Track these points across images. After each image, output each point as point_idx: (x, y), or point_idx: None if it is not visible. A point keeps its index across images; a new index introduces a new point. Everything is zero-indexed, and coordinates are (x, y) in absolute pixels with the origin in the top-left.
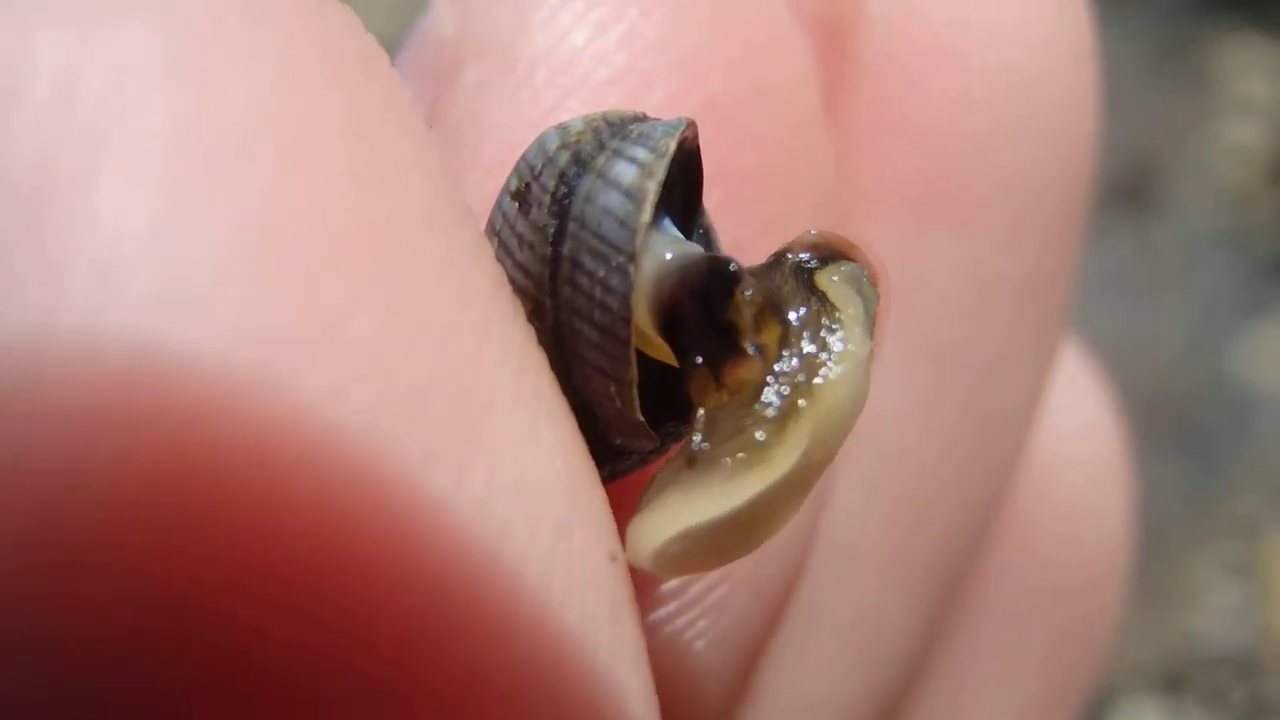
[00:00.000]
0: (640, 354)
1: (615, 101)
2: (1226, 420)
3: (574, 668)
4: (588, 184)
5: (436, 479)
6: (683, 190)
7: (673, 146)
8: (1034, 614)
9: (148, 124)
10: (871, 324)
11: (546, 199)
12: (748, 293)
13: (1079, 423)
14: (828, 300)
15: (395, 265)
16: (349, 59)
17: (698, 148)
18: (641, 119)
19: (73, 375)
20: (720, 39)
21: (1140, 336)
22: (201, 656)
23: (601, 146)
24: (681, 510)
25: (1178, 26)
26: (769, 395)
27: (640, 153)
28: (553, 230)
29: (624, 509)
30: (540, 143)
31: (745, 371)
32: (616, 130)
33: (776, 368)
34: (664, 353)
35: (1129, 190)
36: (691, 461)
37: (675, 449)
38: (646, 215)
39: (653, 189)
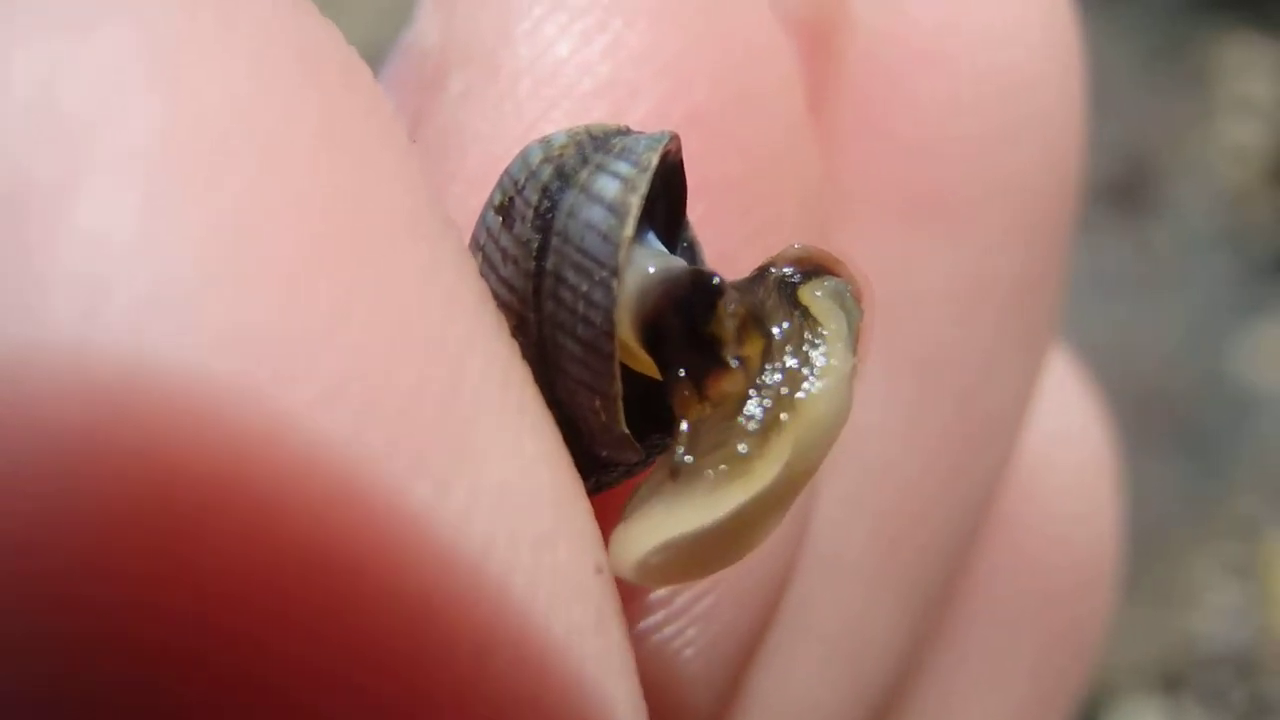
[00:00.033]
0: (624, 367)
1: (600, 112)
2: (1225, 420)
3: (560, 680)
4: (571, 198)
5: (419, 492)
6: (666, 204)
7: (655, 160)
8: (1023, 617)
9: (128, 132)
10: (855, 339)
11: (530, 213)
12: (730, 306)
13: (1067, 427)
14: (810, 315)
15: (377, 278)
16: (330, 69)
17: (681, 161)
18: (625, 132)
19: (60, 387)
20: (704, 47)
21: (1138, 336)
22: (187, 661)
23: (584, 160)
24: (664, 521)
25: (1176, 26)
26: (751, 408)
27: (623, 167)
28: (536, 244)
29: (610, 521)
30: (523, 156)
31: (727, 384)
32: (599, 144)
33: (759, 381)
34: (648, 366)
35: (1127, 190)
36: (674, 473)
37: (659, 461)
38: (629, 230)
39: (635, 203)
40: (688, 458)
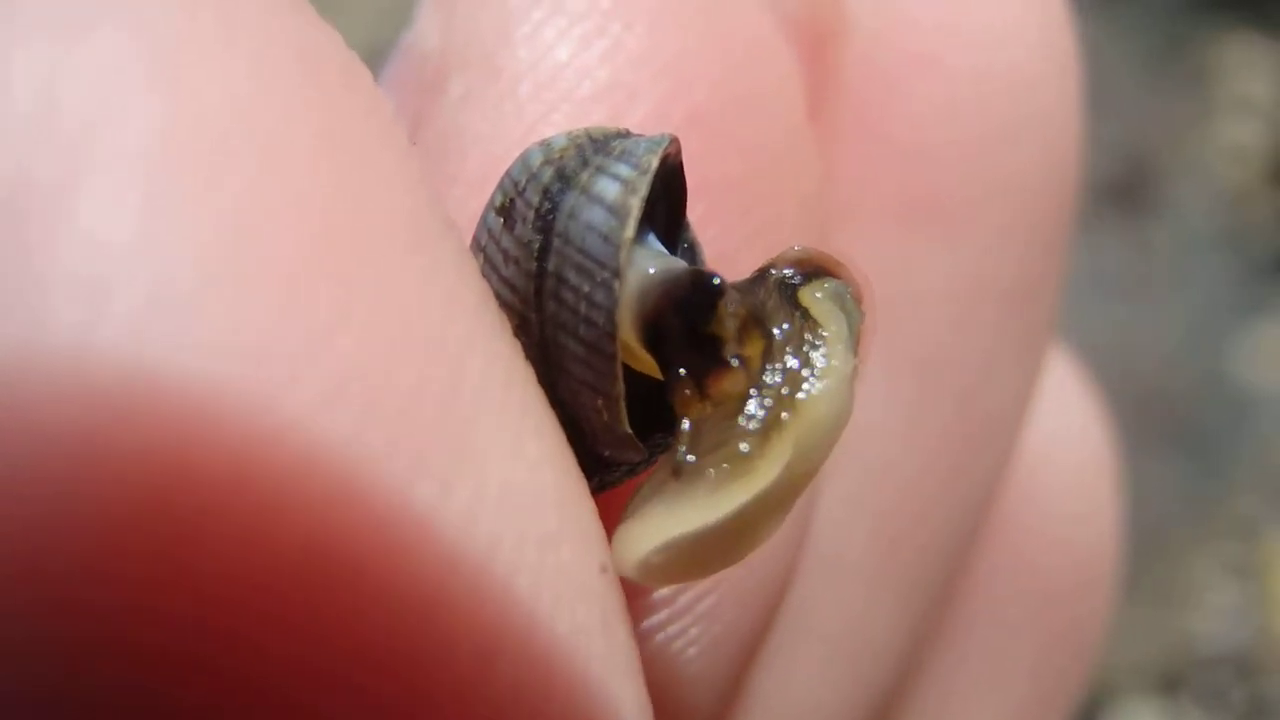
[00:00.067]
0: (626, 368)
1: (599, 115)
2: (1225, 420)
3: (566, 680)
4: (571, 200)
5: (421, 493)
6: (666, 205)
7: (655, 163)
8: (1023, 617)
9: (128, 134)
10: (855, 341)
11: (531, 214)
12: (731, 306)
13: (1067, 427)
14: (811, 317)
15: (377, 279)
16: (329, 71)
17: (681, 163)
18: (625, 135)
19: (60, 391)
20: (703, 50)
21: (1138, 336)
22: (188, 663)
23: (585, 163)
24: (666, 520)
25: (1176, 26)
26: (752, 407)
27: (623, 169)
28: (537, 245)
29: (613, 520)
30: (524, 159)
31: (728, 383)
32: (600, 146)
33: (760, 381)
34: (649, 366)
35: (1126, 190)
36: (676, 472)
37: (662, 460)
38: (630, 231)
39: (636, 205)
40: (690, 457)
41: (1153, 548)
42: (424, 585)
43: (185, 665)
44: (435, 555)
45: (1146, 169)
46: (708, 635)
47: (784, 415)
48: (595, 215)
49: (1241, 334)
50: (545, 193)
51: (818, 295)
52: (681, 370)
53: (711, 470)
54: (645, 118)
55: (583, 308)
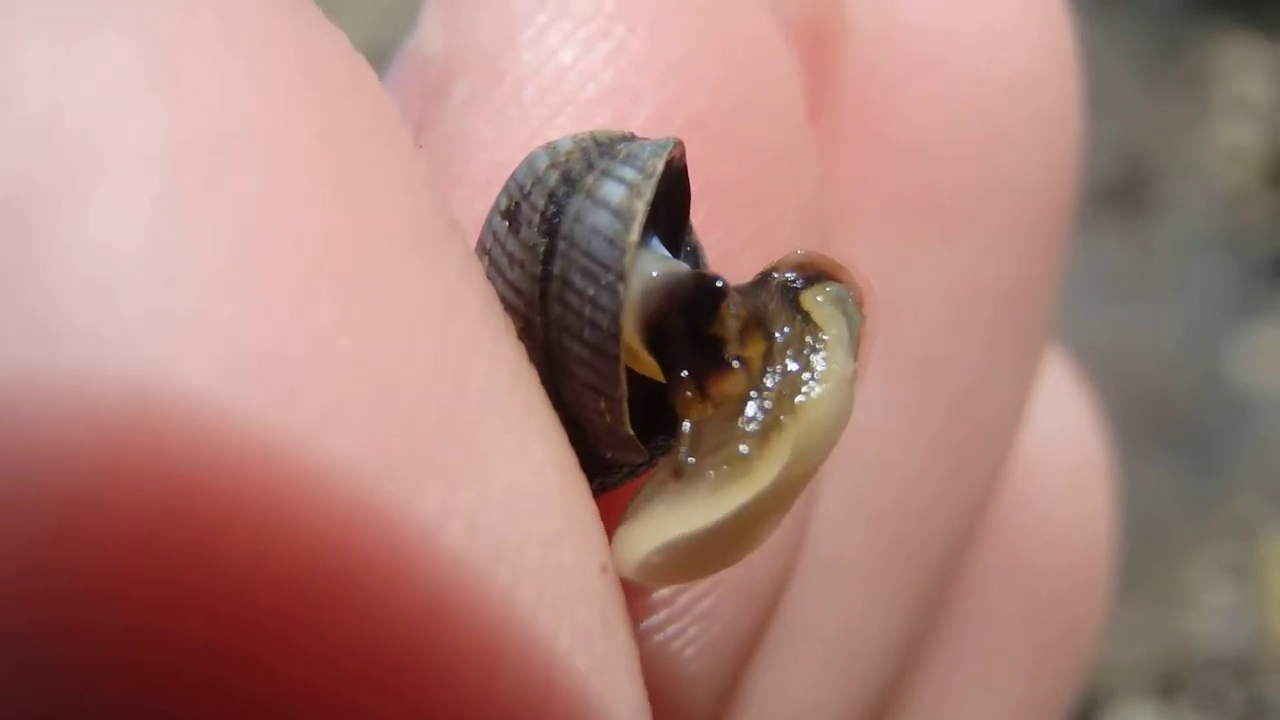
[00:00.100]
0: (629, 370)
1: (603, 118)
2: (1223, 421)
3: (567, 681)
4: (577, 203)
5: (429, 497)
6: (670, 208)
7: (660, 167)
8: (1018, 619)
9: (134, 139)
10: (856, 345)
11: (536, 218)
12: (733, 307)
13: (1062, 428)
14: (812, 320)
15: (383, 284)
16: (334, 73)
17: (685, 167)
18: (630, 138)
19: (69, 407)
20: (706, 53)
21: (1136, 337)
22: (194, 685)
23: (590, 166)
24: (666, 521)
25: (1173, 27)
26: (752, 409)
27: (628, 173)
28: (543, 249)
29: (614, 521)
30: (529, 162)
31: (729, 384)
32: (605, 150)
33: (760, 383)
34: (652, 369)
35: (1124, 191)
36: (677, 473)
37: (662, 462)
38: (635, 235)
39: (641, 209)
40: (690, 459)
41: (1151, 548)
42: (428, 597)
43: (191, 686)
44: (441, 559)
45: (1144, 170)
46: (706, 635)
47: (783, 418)
48: (600, 219)
49: (1239, 335)
50: (550, 196)
51: (819, 299)
52: (683, 372)
53: (711, 471)
54: (648, 120)
55: (587, 310)
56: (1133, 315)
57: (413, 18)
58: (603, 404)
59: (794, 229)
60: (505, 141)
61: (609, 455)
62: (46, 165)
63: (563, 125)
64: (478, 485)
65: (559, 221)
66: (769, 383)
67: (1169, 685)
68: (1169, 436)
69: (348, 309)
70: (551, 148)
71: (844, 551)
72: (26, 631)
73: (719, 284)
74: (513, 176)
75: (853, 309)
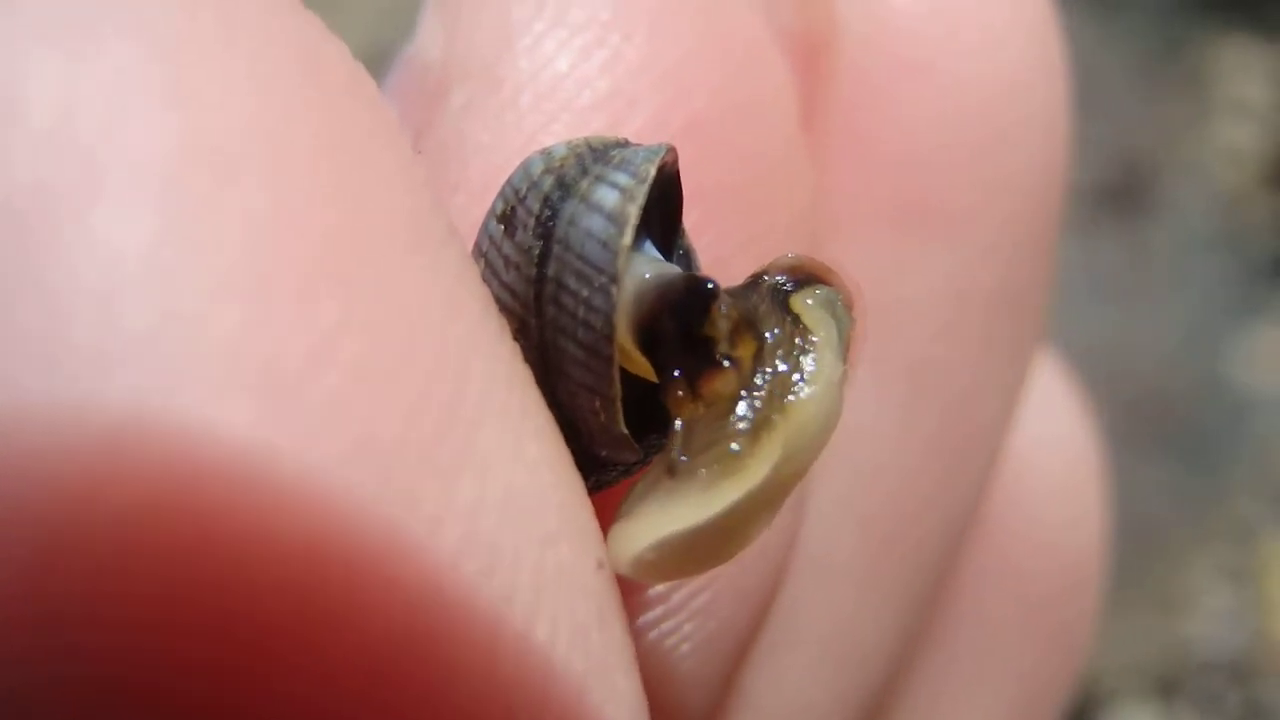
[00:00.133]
0: (623, 371)
1: (599, 125)
2: (1222, 423)
3: (564, 676)
4: (571, 208)
5: (427, 497)
6: (662, 213)
7: (653, 172)
8: (1011, 620)
9: (137, 146)
10: (845, 348)
11: (531, 221)
12: (724, 308)
13: (1053, 431)
14: (801, 323)
15: (381, 287)
16: (335, 84)
17: (677, 172)
18: (623, 144)
19: (73, 422)
20: (700, 59)
21: (1135, 339)
22: (192, 699)
23: (584, 171)
24: (660, 518)
25: (1172, 28)
26: (743, 409)
27: (621, 178)
28: (537, 252)
29: (608, 519)
30: (525, 167)
31: (720, 384)
32: (599, 155)
33: (751, 383)
34: (645, 369)
35: (1123, 192)
36: (670, 471)
37: (656, 460)
38: (628, 238)
39: (634, 213)
40: (683, 457)
41: (1149, 550)
42: (426, 596)
43: (188, 703)
44: (439, 558)
45: (1143, 171)
46: (701, 632)
47: (774, 417)
48: (594, 222)
49: (1238, 336)
50: (546, 200)
51: (809, 302)
52: (675, 372)
53: (703, 469)
54: (644, 127)
55: (581, 312)
56: (1131, 316)
57: (411, 21)
58: (597, 403)
59: (786, 236)
60: (502, 147)
61: (603, 454)
62: (49, 172)
63: (559, 131)
64: (476, 485)
65: (553, 225)
66: (759, 382)
67: (1167, 687)
68: (1168, 438)
69: (348, 312)
70: (546, 153)
71: (835, 553)
72: (22, 657)
73: (710, 285)
74: (508, 181)
75: (842, 312)
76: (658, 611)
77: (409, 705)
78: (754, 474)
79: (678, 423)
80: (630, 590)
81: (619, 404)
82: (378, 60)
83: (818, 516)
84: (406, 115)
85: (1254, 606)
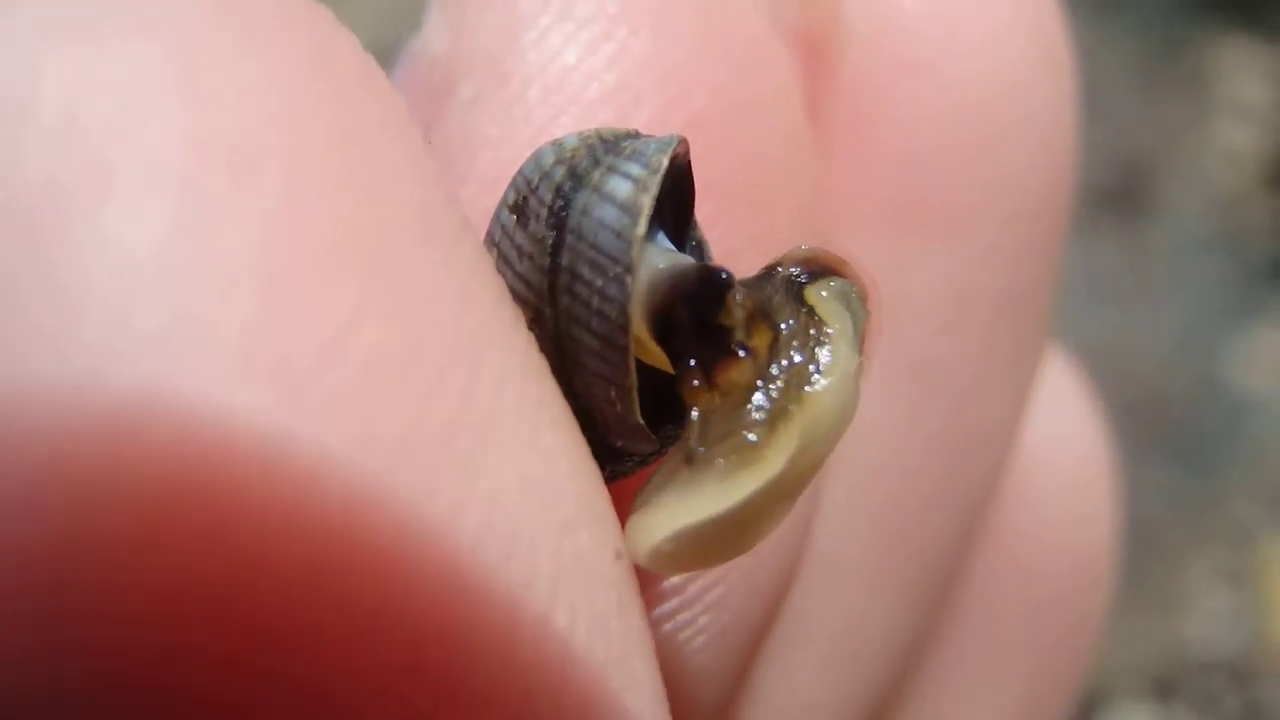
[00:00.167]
0: (639, 361)
1: (606, 118)
2: (1220, 424)
3: (584, 665)
4: (584, 198)
5: (445, 487)
6: (675, 204)
7: (665, 162)
8: (1019, 620)
9: (153, 147)
10: (860, 339)
11: (544, 211)
12: (739, 297)
13: (1063, 431)
14: (816, 314)
15: (396, 278)
16: (348, 77)
17: (689, 163)
18: (634, 136)
19: (83, 412)
20: (706, 56)
21: (1133, 340)
22: (210, 687)
23: (596, 162)
24: (677, 509)
25: (1170, 29)
26: (759, 399)
27: (634, 168)
28: (551, 242)
29: (625, 509)
30: (536, 158)
31: (736, 373)
32: (610, 146)
33: (766, 373)
34: (660, 359)
35: (1121, 193)
36: (687, 462)
37: (672, 450)
38: (641, 228)
39: (647, 203)
40: (700, 447)
41: (1147, 552)
42: (445, 584)
43: (206, 691)
44: (458, 546)
45: (1142, 173)
46: (716, 625)
47: (790, 408)
48: (608, 212)
49: (1237, 338)
50: (558, 190)
51: (823, 294)
52: (691, 361)
53: (720, 459)
54: (650, 120)
55: (596, 301)
56: (1130, 318)
57: (415, 17)
58: (613, 393)
59: (791, 233)
60: (510, 140)
61: (619, 444)
62: (60, 170)
63: (567, 125)
64: (494, 475)
65: (566, 215)
66: (775, 373)
67: (1165, 688)
68: (1166, 439)
69: (364, 303)
70: (558, 144)
71: (845, 550)
72: (28, 655)
73: (724, 274)
74: (520, 172)
75: (857, 304)
76: (673, 603)
77: (427, 687)
78: (772, 464)
79: (694, 412)
80: (646, 582)
81: (635, 394)
82: (383, 56)
83: (826, 514)
84: (414, 110)
85: (1252, 607)
